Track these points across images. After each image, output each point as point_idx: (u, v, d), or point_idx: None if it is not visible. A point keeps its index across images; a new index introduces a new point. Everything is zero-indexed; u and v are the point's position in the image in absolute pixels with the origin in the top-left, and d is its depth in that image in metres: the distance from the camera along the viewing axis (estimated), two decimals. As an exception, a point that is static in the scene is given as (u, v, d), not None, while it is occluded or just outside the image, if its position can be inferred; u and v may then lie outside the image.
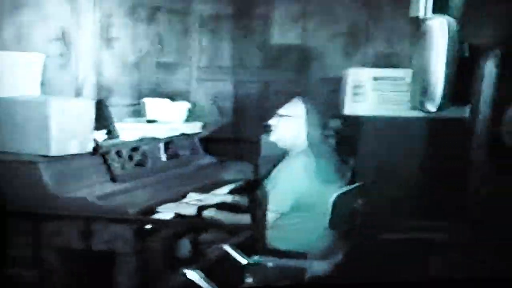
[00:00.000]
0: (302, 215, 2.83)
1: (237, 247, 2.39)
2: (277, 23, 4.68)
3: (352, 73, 4.07)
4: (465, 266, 3.05)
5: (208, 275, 2.07)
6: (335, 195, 2.72)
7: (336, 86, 4.24)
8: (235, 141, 4.57)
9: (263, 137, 3.76)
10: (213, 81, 4.77)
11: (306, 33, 4.65)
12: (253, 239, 2.68)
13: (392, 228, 3.69)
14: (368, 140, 3.96)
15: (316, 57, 4.64)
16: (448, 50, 2.32)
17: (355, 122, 4.02)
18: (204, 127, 4.15)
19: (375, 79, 4.02)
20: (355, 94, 3.99)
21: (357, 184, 3.01)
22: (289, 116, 2.98)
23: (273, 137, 3.05)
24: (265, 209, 2.74)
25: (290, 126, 2.97)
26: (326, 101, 4.14)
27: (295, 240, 2.82)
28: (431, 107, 2.42)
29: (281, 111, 3.02)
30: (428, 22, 2.34)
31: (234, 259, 2.32)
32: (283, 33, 4.69)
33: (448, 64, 2.35)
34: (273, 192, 2.83)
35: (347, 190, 2.86)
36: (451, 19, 2.35)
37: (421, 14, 2.44)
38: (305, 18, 4.64)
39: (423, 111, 2.48)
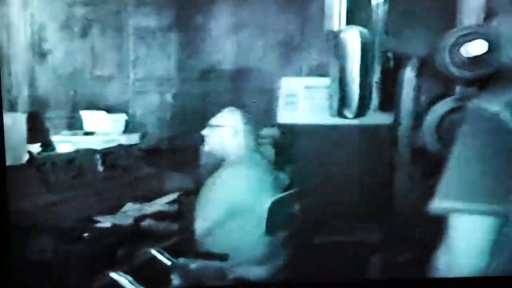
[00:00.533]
0: (238, 223, 2.85)
1: (166, 250, 2.45)
2: (213, 34, 4.76)
3: (285, 82, 4.15)
4: (400, 266, 3.15)
5: (136, 277, 2.12)
6: (270, 201, 2.79)
7: (272, 96, 4.32)
8: (174, 152, 4.60)
9: (202, 147, 3.80)
10: (150, 93, 4.81)
11: (242, 44, 4.74)
12: (181, 243, 2.74)
13: (328, 231, 3.77)
14: (302, 147, 4.04)
15: (252, 67, 4.73)
16: (363, 60, 2.44)
17: (290, 130, 4.10)
18: (142, 138, 4.18)
19: (307, 87, 4.11)
20: (288, 103, 4.07)
21: (292, 190, 3.08)
22: (220, 126, 3.00)
23: (206, 147, 3.08)
24: (193, 216, 2.78)
25: (222, 135, 2.99)
26: (262, 110, 4.21)
27: (233, 247, 2.83)
28: (349, 114, 2.54)
29: (212, 121, 3.04)
30: (342, 34, 2.46)
31: (160, 262, 2.38)
32: (219, 45, 4.77)
33: (363, 73, 2.46)
34: (207, 201, 2.87)
35: (282, 196, 2.92)
36: (365, 30, 2.47)
37: (335, 28, 2.56)
38: (241, 30, 4.74)
39: (341, 117, 2.59)
